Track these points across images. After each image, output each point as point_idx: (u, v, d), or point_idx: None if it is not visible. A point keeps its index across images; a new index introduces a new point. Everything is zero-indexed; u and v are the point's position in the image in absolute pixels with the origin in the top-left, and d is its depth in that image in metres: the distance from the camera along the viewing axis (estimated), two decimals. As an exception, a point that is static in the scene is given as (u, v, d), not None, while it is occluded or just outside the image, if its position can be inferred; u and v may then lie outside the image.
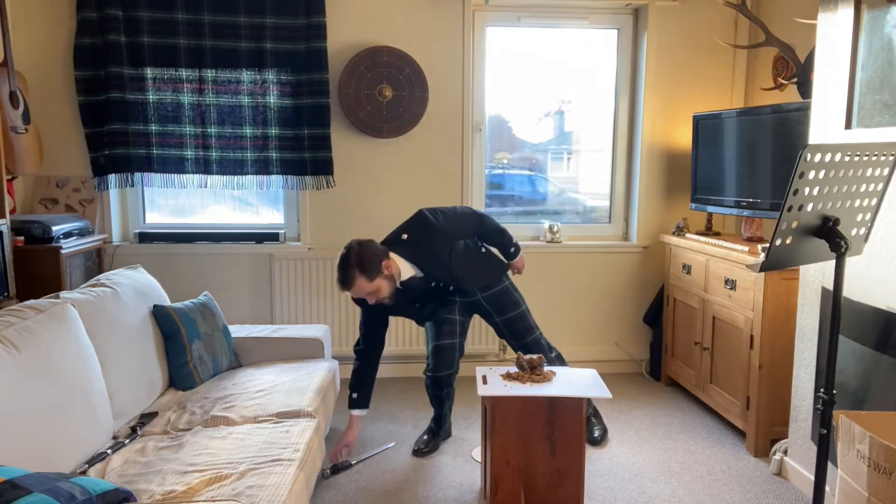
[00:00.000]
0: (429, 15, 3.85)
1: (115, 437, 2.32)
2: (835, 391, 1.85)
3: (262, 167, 3.81)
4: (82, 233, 3.59)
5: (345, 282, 2.67)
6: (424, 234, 2.80)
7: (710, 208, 3.66)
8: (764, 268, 1.80)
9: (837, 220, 1.79)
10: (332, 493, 2.70)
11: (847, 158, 1.73)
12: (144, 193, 4.04)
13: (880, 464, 1.56)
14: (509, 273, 3.09)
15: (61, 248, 3.29)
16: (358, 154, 3.93)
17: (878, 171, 1.84)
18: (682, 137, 4.06)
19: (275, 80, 3.75)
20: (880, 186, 1.88)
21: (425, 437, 3.11)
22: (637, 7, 4.03)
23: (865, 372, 2.31)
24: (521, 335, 3.00)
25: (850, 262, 2.38)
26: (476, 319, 3.94)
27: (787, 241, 1.77)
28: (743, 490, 2.75)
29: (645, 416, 3.50)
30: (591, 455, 3.05)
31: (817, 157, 1.67)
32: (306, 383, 2.79)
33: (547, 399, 2.40)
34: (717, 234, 3.76)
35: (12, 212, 3.54)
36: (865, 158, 1.78)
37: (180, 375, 2.79)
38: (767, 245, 2.75)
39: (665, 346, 3.96)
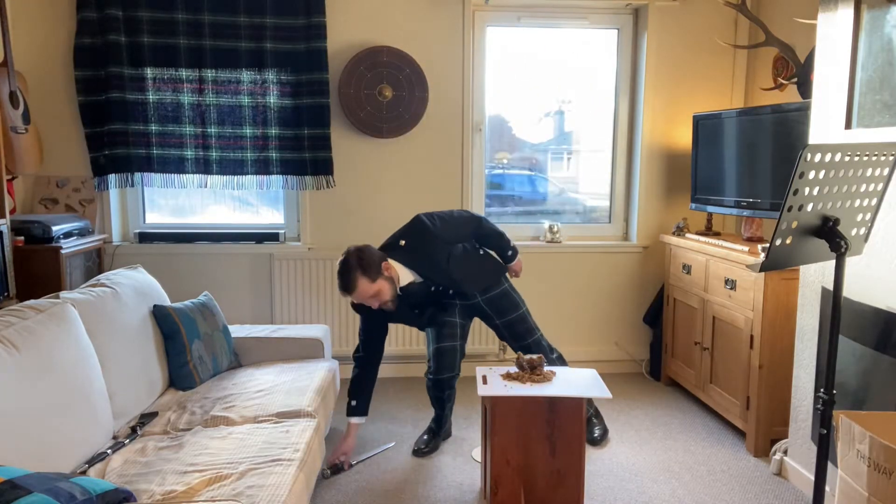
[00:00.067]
0: (429, 15, 3.85)
1: (115, 437, 2.32)
2: (835, 391, 1.85)
3: (262, 167, 3.81)
4: (82, 233, 3.59)
5: (347, 285, 2.66)
6: (422, 239, 2.81)
7: (710, 208, 3.66)
8: (764, 268, 1.80)
9: (837, 220, 1.79)
10: (332, 493, 2.70)
11: (847, 158, 1.73)
12: (144, 193, 4.04)
13: (880, 464, 1.56)
14: (507, 276, 3.09)
15: (61, 248, 3.29)
16: (358, 154, 3.93)
17: (878, 171, 1.84)
18: (682, 137, 4.06)
19: (275, 80, 3.75)
20: (880, 186, 1.88)
21: (425, 437, 3.11)
22: (637, 7, 4.03)
23: (865, 372, 2.31)
24: (521, 337, 3.00)
25: (850, 262, 2.38)
26: (476, 320, 3.94)
27: (787, 241, 1.77)
28: (743, 490, 2.75)
29: (645, 416, 3.50)
30: (591, 455, 3.05)
31: (817, 157, 1.67)
32: (306, 383, 2.79)
33: (547, 399, 2.40)
34: (717, 234, 3.76)
35: (12, 212, 3.54)
36: (865, 158, 1.78)
37: (180, 375, 2.79)
38: (767, 245, 2.75)
39: (665, 346, 3.96)
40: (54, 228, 3.33)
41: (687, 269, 3.65)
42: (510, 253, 3.03)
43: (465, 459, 3.01)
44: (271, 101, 3.76)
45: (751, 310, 3.05)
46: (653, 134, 4.04)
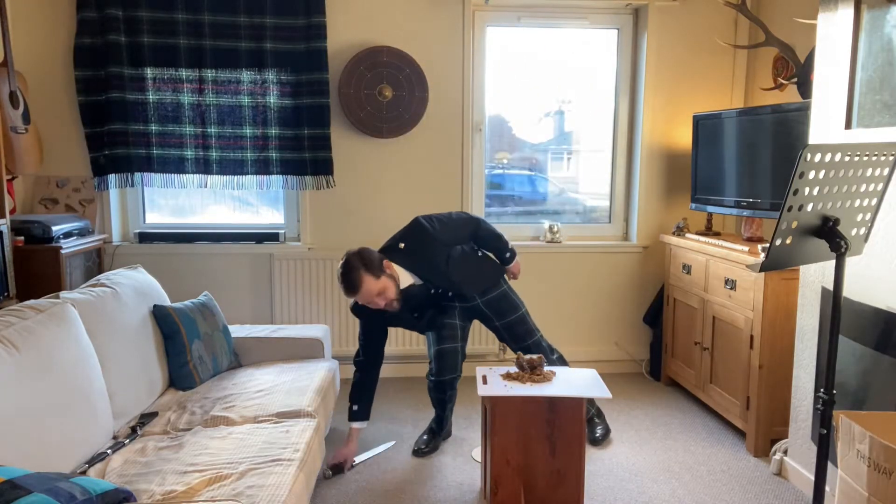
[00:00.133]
0: (429, 15, 3.85)
1: (115, 437, 2.32)
2: (835, 391, 1.85)
3: (262, 167, 3.81)
4: (82, 233, 3.59)
5: (353, 284, 2.65)
6: (421, 242, 2.81)
7: (710, 208, 3.66)
8: (764, 268, 1.80)
9: (837, 220, 1.79)
10: (333, 493, 2.70)
11: (847, 158, 1.73)
12: (144, 193, 4.04)
13: (880, 464, 1.56)
14: (505, 278, 3.09)
15: (61, 248, 3.29)
16: (358, 154, 3.93)
17: (878, 171, 1.84)
18: (682, 137, 4.06)
19: (275, 80, 3.75)
20: (880, 186, 1.88)
21: (425, 436, 3.11)
22: (637, 7, 4.03)
23: (865, 372, 2.31)
24: (521, 338, 2.99)
25: (850, 262, 2.38)
26: (476, 322, 3.94)
27: (787, 241, 1.77)
28: (743, 490, 2.75)
29: (645, 416, 3.50)
30: (591, 455, 3.05)
31: (817, 157, 1.67)
32: (306, 383, 2.79)
33: (547, 399, 2.40)
34: (717, 234, 3.76)
35: (12, 212, 3.54)
36: (865, 158, 1.78)
37: (180, 375, 2.79)
38: (767, 245, 2.75)
39: (665, 346, 3.96)
40: (54, 228, 3.33)
41: (687, 269, 3.65)
42: (508, 255, 3.03)
43: (465, 459, 3.01)
44: (271, 101, 3.76)
45: (751, 310, 3.05)
46: (653, 134, 4.04)
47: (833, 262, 2.45)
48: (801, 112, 3.02)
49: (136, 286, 2.77)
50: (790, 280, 2.94)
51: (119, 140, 3.69)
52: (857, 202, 1.85)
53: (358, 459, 2.96)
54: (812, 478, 2.64)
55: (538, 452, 2.43)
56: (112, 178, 3.74)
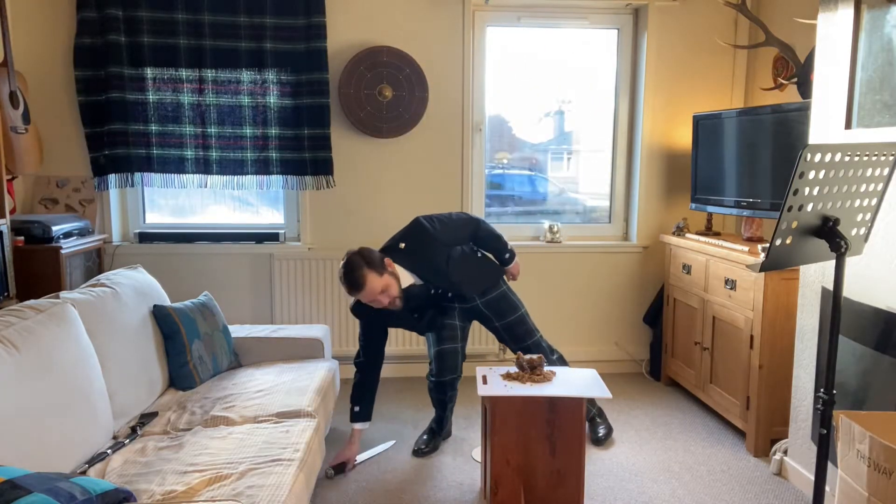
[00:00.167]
0: (429, 15, 3.85)
1: (115, 437, 2.32)
2: (835, 391, 1.85)
3: (262, 167, 3.81)
4: (82, 233, 3.59)
5: (356, 282, 2.65)
6: (422, 242, 2.81)
7: (710, 208, 3.66)
8: (764, 268, 1.80)
9: (837, 220, 1.79)
10: (332, 493, 2.70)
11: (847, 158, 1.73)
12: (144, 193, 4.04)
13: (880, 464, 1.56)
14: (504, 279, 3.09)
15: (61, 248, 3.29)
16: (358, 154, 3.93)
17: (878, 171, 1.84)
18: (682, 137, 4.06)
19: (275, 80, 3.75)
20: (880, 186, 1.88)
21: (425, 436, 3.11)
22: (637, 7, 4.03)
23: (865, 372, 2.31)
24: (521, 339, 2.99)
25: (850, 262, 2.38)
26: (475, 323, 3.94)
27: (787, 241, 1.77)
28: (743, 490, 2.75)
29: (645, 416, 3.50)
30: (591, 455, 3.05)
31: (817, 157, 1.67)
32: (306, 383, 2.79)
33: (547, 399, 2.40)
34: (717, 234, 3.76)
35: (12, 212, 3.54)
36: (865, 158, 1.78)
37: (180, 375, 2.79)
38: (767, 245, 2.75)
39: (665, 346, 3.96)
40: (54, 228, 3.33)
41: (687, 269, 3.65)
42: (508, 256, 3.03)
43: (465, 459, 3.01)
44: (271, 101, 3.76)
45: (751, 310, 3.05)
46: (653, 134, 4.04)
47: (833, 262, 2.45)
48: (801, 112, 3.02)
49: (136, 286, 2.77)
50: (790, 280, 2.94)
51: (119, 140, 3.69)
52: (857, 202, 1.85)
53: (359, 459, 2.96)
54: (812, 478, 2.64)
55: (538, 452, 2.43)
56: (112, 178, 3.74)
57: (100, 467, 2.08)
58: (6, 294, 3.05)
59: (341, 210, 3.97)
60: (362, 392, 2.93)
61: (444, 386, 3.01)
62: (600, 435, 3.16)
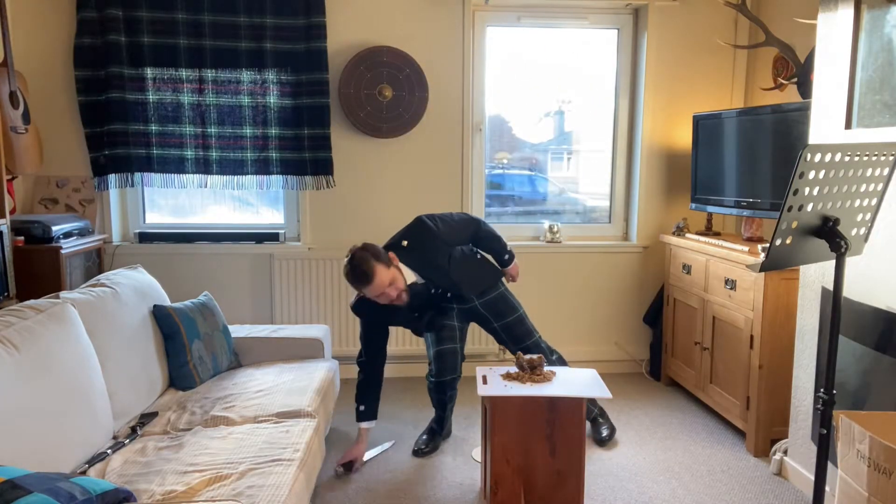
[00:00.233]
0: (429, 15, 3.85)
1: (115, 437, 2.32)
2: (835, 391, 1.85)
3: (262, 167, 3.81)
4: (82, 233, 3.59)
5: (366, 274, 2.62)
6: (425, 240, 2.81)
7: (710, 208, 3.66)
8: (764, 268, 1.80)
9: (837, 220, 1.79)
10: (333, 493, 2.70)
11: (847, 158, 1.73)
12: (144, 193, 4.04)
13: (880, 464, 1.56)
14: (503, 280, 3.09)
15: (61, 248, 3.29)
16: (358, 154, 3.93)
17: (878, 171, 1.84)
18: (682, 137, 4.06)
19: (275, 80, 3.75)
20: (880, 186, 1.88)
21: (425, 436, 3.11)
22: (637, 7, 4.03)
23: (865, 372, 2.31)
24: (520, 339, 2.99)
25: (851, 262, 2.38)
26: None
27: (787, 241, 1.77)
28: (743, 490, 2.75)
29: (645, 416, 3.50)
30: (591, 455, 3.05)
31: (817, 157, 1.67)
32: (306, 383, 2.79)
33: (547, 399, 2.40)
34: (717, 234, 3.76)
35: (12, 212, 3.54)
36: (865, 158, 1.78)
37: (180, 375, 2.79)
38: (767, 245, 2.75)
39: (665, 346, 3.96)
40: (54, 228, 3.33)
41: (687, 269, 3.65)
42: (507, 257, 3.03)
43: (465, 459, 3.01)
44: (271, 101, 3.76)
45: (751, 310, 3.05)
46: (653, 134, 4.04)
47: (833, 262, 2.45)
48: (801, 112, 3.01)
49: (136, 286, 2.77)
50: (790, 280, 2.94)
51: (119, 140, 3.69)
52: (857, 202, 1.85)
53: (366, 457, 2.97)
54: (812, 478, 2.64)
55: (538, 452, 2.43)
56: (112, 178, 3.74)
57: (100, 467, 2.08)
58: (6, 294, 3.05)
59: (341, 210, 3.97)
60: (366, 391, 2.93)
61: (444, 386, 3.01)
62: (604, 436, 3.16)
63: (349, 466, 2.86)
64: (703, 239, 3.56)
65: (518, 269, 3.10)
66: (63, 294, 2.40)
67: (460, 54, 3.89)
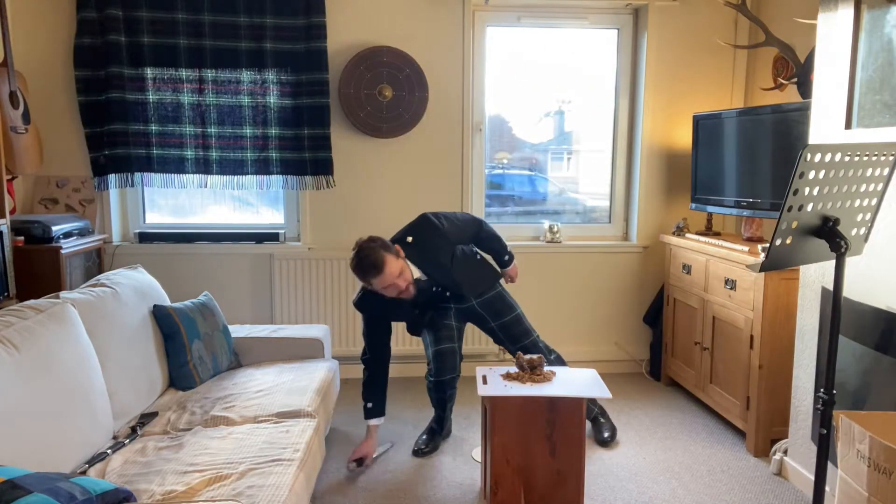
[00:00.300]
0: (429, 15, 3.85)
1: (115, 437, 2.32)
2: (835, 391, 1.85)
3: (262, 167, 3.81)
4: (82, 233, 3.59)
5: (375, 264, 2.61)
6: (429, 236, 2.81)
7: (710, 208, 3.66)
8: (764, 268, 1.80)
9: (837, 220, 1.79)
10: (333, 493, 2.70)
11: (847, 158, 1.73)
12: (144, 193, 4.04)
13: (880, 464, 1.56)
14: (502, 281, 3.09)
15: (61, 248, 3.29)
16: (358, 154, 3.93)
17: (878, 171, 1.84)
18: (682, 137, 4.06)
19: (275, 80, 3.75)
20: (880, 186, 1.88)
21: (425, 436, 3.11)
22: (637, 7, 4.03)
23: (865, 372, 2.31)
24: (518, 339, 3.00)
25: (851, 262, 2.38)
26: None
27: (787, 242, 1.77)
28: (743, 490, 2.75)
29: (645, 416, 3.50)
30: (591, 455, 3.05)
31: (817, 157, 1.67)
32: (306, 383, 2.79)
33: (547, 399, 2.40)
34: (717, 234, 3.76)
35: (12, 212, 3.54)
36: (865, 158, 1.78)
37: (180, 375, 2.79)
38: (767, 245, 2.75)
39: (665, 346, 3.96)
40: (54, 228, 3.33)
41: (687, 269, 3.65)
42: (507, 258, 3.03)
43: (465, 459, 3.01)
44: (271, 101, 3.76)
45: (751, 310, 3.05)
46: (653, 134, 4.04)
47: (833, 262, 2.45)
48: (801, 112, 3.02)
49: (136, 286, 2.77)
50: (790, 280, 2.94)
51: (119, 140, 3.69)
52: (857, 202, 1.85)
53: (375, 454, 2.99)
54: (812, 478, 2.64)
55: (538, 452, 2.43)
56: (112, 178, 3.74)
57: (100, 467, 2.08)
58: (6, 294, 3.05)
59: (341, 210, 3.97)
60: (372, 388, 2.93)
61: (443, 385, 3.01)
62: (606, 436, 3.16)
63: (361, 462, 2.89)
64: (703, 239, 3.56)
65: (517, 270, 3.11)
66: (63, 294, 2.40)
67: (460, 54, 3.89)
